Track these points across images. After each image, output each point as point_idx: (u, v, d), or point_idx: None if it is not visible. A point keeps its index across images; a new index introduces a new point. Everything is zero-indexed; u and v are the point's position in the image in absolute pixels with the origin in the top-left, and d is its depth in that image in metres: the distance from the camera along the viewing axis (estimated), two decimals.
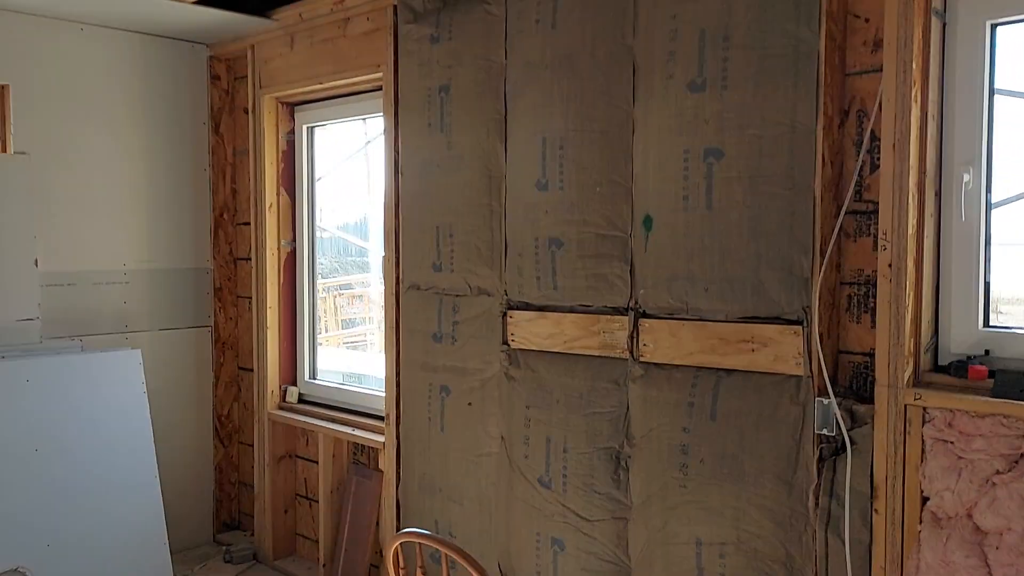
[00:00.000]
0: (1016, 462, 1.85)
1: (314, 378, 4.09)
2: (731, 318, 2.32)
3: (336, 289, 5.17)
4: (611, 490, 2.61)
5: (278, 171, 4.04)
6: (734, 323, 2.31)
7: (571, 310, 2.71)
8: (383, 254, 3.38)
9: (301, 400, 4.03)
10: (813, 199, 2.15)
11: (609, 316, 2.60)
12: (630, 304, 2.55)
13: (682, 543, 2.42)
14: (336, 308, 5.24)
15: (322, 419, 3.76)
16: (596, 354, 2.64)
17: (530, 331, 2.83)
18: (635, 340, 2.53)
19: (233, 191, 4.30)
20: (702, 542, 2.38)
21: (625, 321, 2.55)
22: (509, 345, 2.90)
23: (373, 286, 4.72)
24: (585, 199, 2.63)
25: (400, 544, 2.07)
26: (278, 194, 4.04)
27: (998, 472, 1.87)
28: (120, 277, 3.90)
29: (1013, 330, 2.00)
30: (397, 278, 3.32)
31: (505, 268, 2.89)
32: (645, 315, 2.51)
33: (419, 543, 2.02)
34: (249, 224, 4.12)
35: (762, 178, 2.22)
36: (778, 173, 2.19)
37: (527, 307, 2.84)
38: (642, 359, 2.51)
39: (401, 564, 2.09)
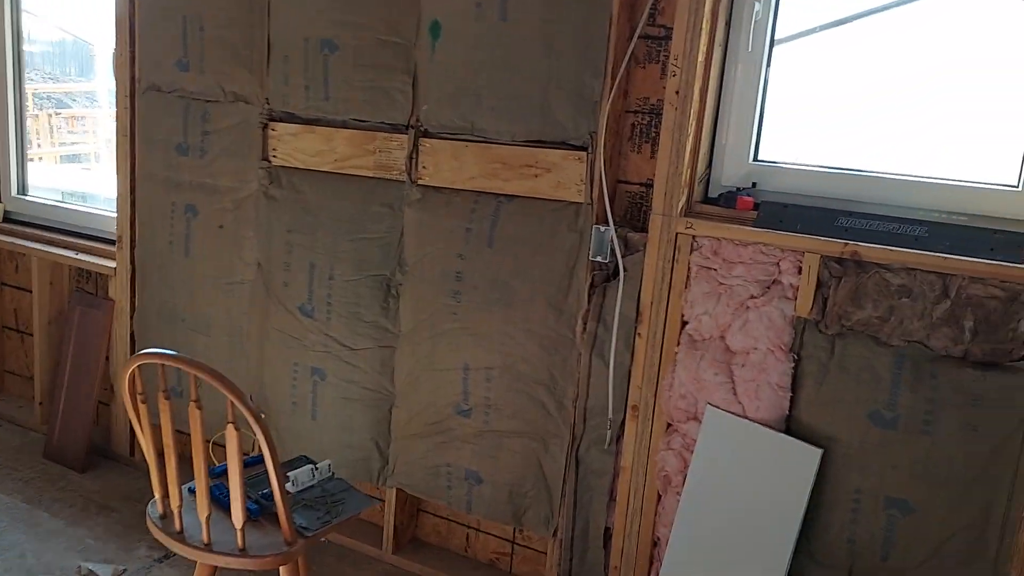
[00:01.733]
0: (768, 287, 1.98)
1: (23, 194, 3.47)
2: (516, 140, 2.22)
3: (51, 104, 4.36)
4: (379, 318, 2.49)
5: None
6: (519, 146, 2.22)
7: (344, 125, 2.46)
8: (114, 48, 2.85)
9: (7, 219, 3.42)
10: (610, 18, 2.05)
11: (387, 134, 2.39)
12: (411, 121, 2.35)
13: (449, 368, 2.38)
14: (52, 130, 4.44)
15: (35, 240, 3.22)
16: (370, 175, 2.43)
17: (295, 147, 2.54)
18: (414, 161, 2.35)
19: None
20: (469, 367, 2.35)
21: (404, 140, 2.36)
22: (270, 162, 2.59)
23: (101, 101, 4.02)
24: None
25: (138, 367, 1.80)
26: None
27: (752, 297, 1.99)
28: None
29: (779, 164, 2.10)
30: (132, 77, 2.82)
31: (268, 72, 2.55)
32: (427, 134, 2.33)
33: (161, 364, 1.77)
34: None
35: None
36: None
37: (293, 119, 2.54)
38: (420, 182, 2.35)
39: (139, 390, 1.84)
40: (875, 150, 2.08)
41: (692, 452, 2.08)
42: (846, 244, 1.87)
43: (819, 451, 1.89)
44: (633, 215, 2.21)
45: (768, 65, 2.08)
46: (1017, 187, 1.84)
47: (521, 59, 2.16)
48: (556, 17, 2.11)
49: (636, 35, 2.09)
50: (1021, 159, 1.83)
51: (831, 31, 2.18)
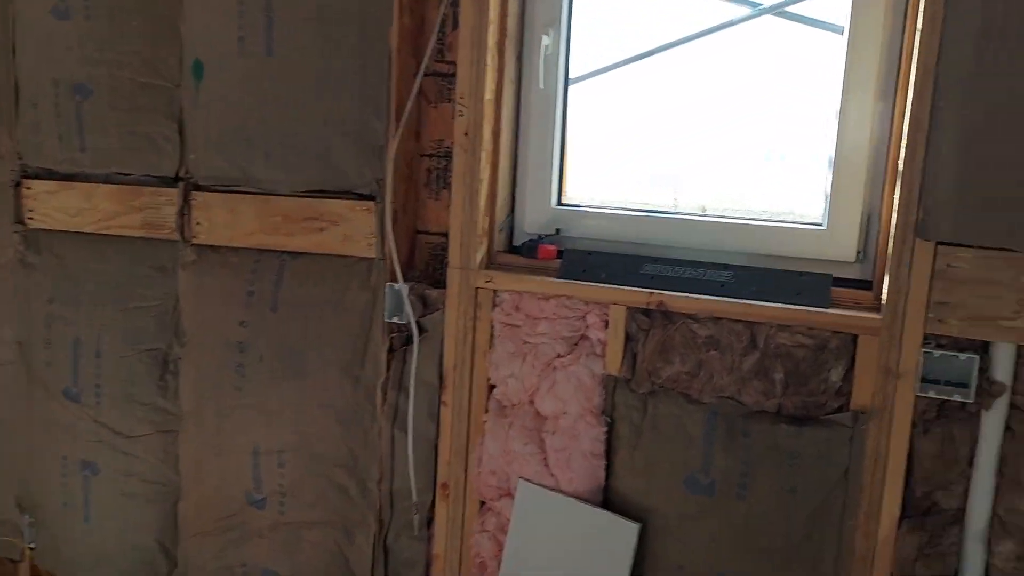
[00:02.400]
0: (576, 344, 1.79)
1: None
2: (297, 191, 1.97)
3: None
4: (157, 399, 2.16)
5: None
6: (301, 197, 1.97)
7: (106, 179, 2.14)
8: None
9: None
10: (389, 53, 1.85)
11: (154, 188, 2.09)
12: (180, 173, 2.07)
13: (237, 452, 2.07)
14: None
15: None
16: (138, 235, 2.12)
17: (54, 206, 2.20)
18: (186, 218, 2.06)
19: None
20: (260, 450, 2.05)
21: (174, 194, 2.06)
22: (26, 225, 2.24)
23: None
24: (119, 33, 2.05)
25: None
26: None
27: (559, 355, 1.79)
28: None
29: (583, 208, 1.93)
30: None
31: (17, 121, 2.21)
32: (199, 187, 2.05)
33: None
34: None
35: (333, 21, 1.86)
36: (351, 18, 1.85)
37: (50, 175, 2.21)
38: (194, 241, 2.06)
39: None
40: (682, 190, 1.95)
41: (507, 533, 1.85)
42: (651, 293, 1.71)
43: (636, 526, 1.70)
44: (435, 269, 1.99)
45: (565, 103, 1.92)
46: (823, 226, 1.73)
47: (294, 99, 1.93)
48: (329, 52, 1.89)
49: (422, 71, 1.89)
50: (825, 197, 1.72)
51: (635, 65, 2.06)
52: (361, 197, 1.93)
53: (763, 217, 1.83)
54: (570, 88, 1.93)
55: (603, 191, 1.98)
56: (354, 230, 1.93)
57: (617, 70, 2.03)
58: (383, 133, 1.88)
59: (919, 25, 1.49)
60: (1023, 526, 1.51)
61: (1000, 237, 1.45)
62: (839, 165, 1.68)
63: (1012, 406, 1.52)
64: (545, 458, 1.81)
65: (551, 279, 1.80)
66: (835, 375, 1.61)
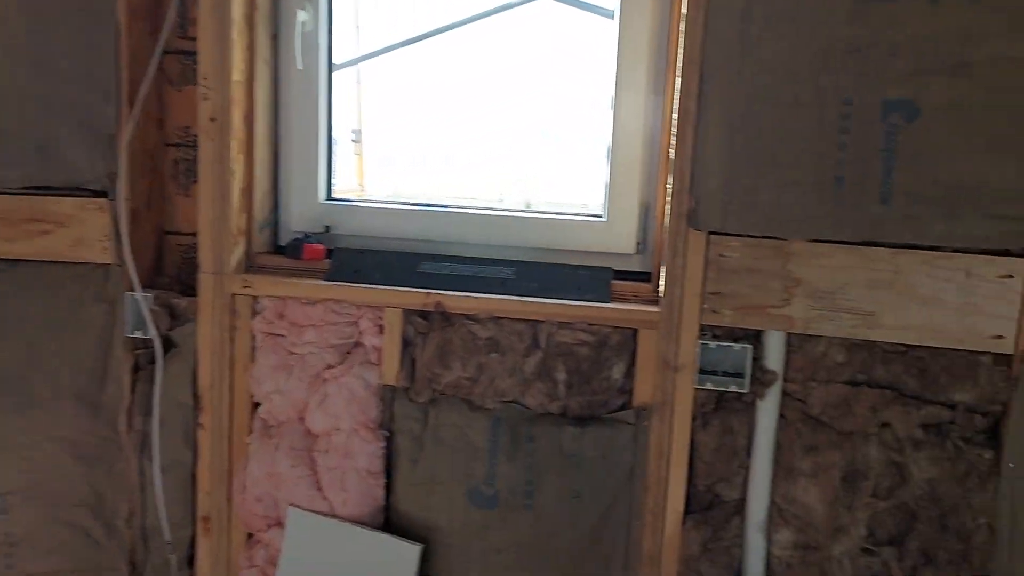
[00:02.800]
0: (348, 353, 1.63)
1: None
2: (13, 188, 1.67)
3: None
4: None
5: None
6: (19, 195, 1.67)
7: None
8: None
9: None
10: (117, 28, 1.59)
11: None
12: None
13: None
14: None
15: None
16: None
17: None
18: None
19: None
20: None
21: None
22: None
23: None
24: None
25: None
26: None
27: (329, 366, 1.62)
28: None
29: (355, 203, 1.77)
30: None
31: None
32: None
33: None
34: None
35: None
36: None
37: None
38: None
39: None
40: (462, 182, 1.84)
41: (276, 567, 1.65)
42: (428, 294, 1.57)
43: (418, 547, 1.56)
44: (189, 274, 1.75)
45: (330, 87, 1.74)
46: (603, 218, 1.66)
47: (6, 82, 1.62)
48: (46, 28, 1.60)
49: (159, 49, 1.65)
50: (605, 189, 1.66)
51: (411, 48, 1.92)
52: (94, 194, 1.66)
53: (546, 210, 1.74)
54: (341, 72, 1.76)
55: (379, 183, 1.83)
56: (86, 232, 1.66)
57: (392, 52, 1.88)
58: (114, 120, 1.62)
59: (684, 10, 1.45)
60: (799, 514, 1.51)
61: (764, 225, 1.44)
62: (616, 155, 1.63)
63: (784, 394, 1.52)
64: (317, 480, 1.63)
65: (318, 282, 1.62)
66: (617, 372, 1.55)
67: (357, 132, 2.10)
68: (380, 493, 1.62)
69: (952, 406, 1.45)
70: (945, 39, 1.33)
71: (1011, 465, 1.41)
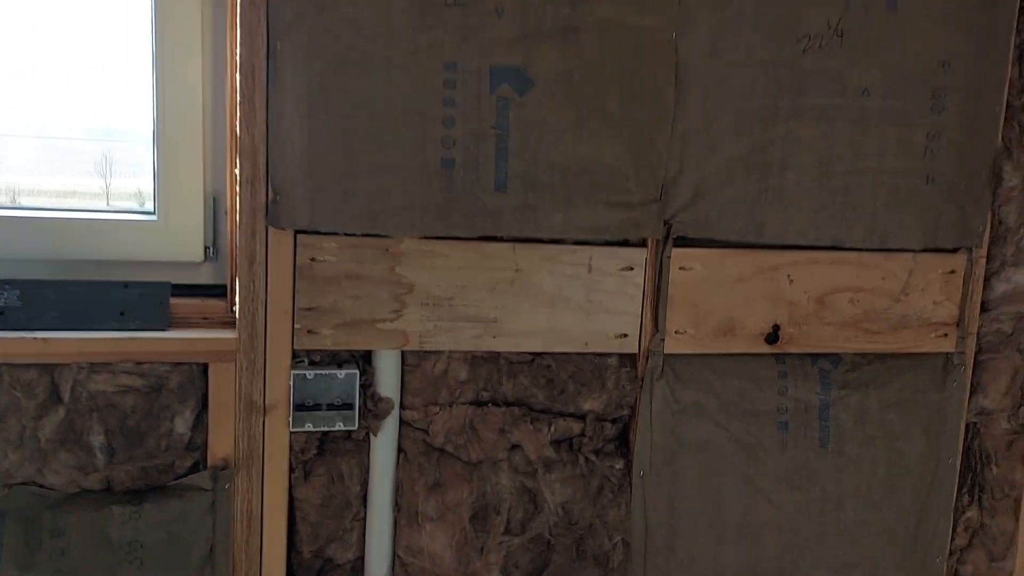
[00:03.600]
0: None
1: None
2: None
3: None
4: None
5: None
6: None
7: None
8: None
9: None
10: None
11: None
12: None
13: None
14: None
15: None
16: None
17: None
18: None
19: None
20: None
21: None
22: None
23: None
24: None
25: None
26: None
27: None
28: None
29: None
30: None
31: None
32: None
33: None
34: None
35: None
36: None
37: None
38: None
39: None
40: None
41: None
42: None
43: None
44: None
45: None
46: (154, 216, 1.24)
47: None
48: None
49: None
50: (153, 181, 1.24)
51: None
52: None
53: (81, 208, 1.27)
54: None
55: None
56: None
57: None
58: None
59: None
60: (426, 567, 1.26)
61: (365, 220, 1.15)
62: (164, 130, 1.22)
63: (403, 423, 1.25)
64: None
65: None
66: (182, 424, 1.15)
67: None
68: None
69: (582, 416, 1.29)
70: None
71: (641, 473, 1.29)
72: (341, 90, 1.11)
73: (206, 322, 1.21)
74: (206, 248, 1.25)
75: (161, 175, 1.22)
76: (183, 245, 1.24)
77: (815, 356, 1.35)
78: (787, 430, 1.34)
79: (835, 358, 1.36)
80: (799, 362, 1.34)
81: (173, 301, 1.20)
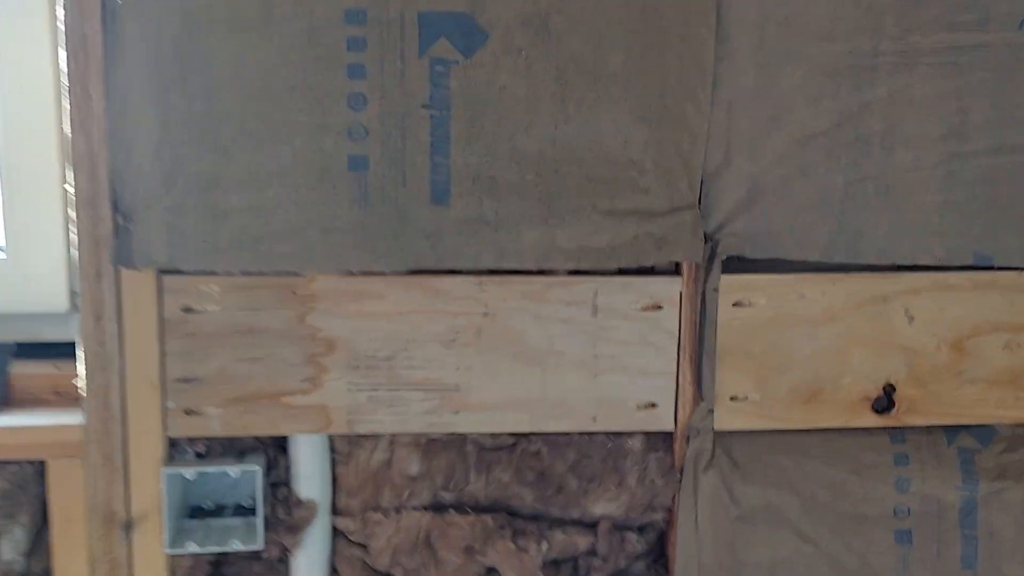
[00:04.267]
0: None
1: None
2: None
3: None
4: None
5: None
6: None
7: None
8: None
9: None
10: None
11: None
12: None
13: None
14: None
15: None
16: None
17: None
18: None
19: None
20: None
21: None
22: None
23: None
24: None
25: None
26: None
27: None
28: None
29: None
30: None
31: None
32: None
33: None
34: None
35: None
36: None
37: None
38: None
39: None
40: None
41: None
42: None
43: None
44: None
45: None
46: (2, 254, 0.93)
47: None
48: None
49: None
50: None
51: None
52: None
53: None
54: None
55: None
56: None
57: None
58: None
59: None
60: None
61: (243, 252, 0.78)
62: (8, 145, 0.90)
63: (336, 535, 0.89)
64: None
65: None
66: (9, 548, 0.82)
67: None
68: None
69: (592, 525, 0.89)
70: None
71: None
72: (205, 59, 0.76)
73: (58, 399, 0.88)
74: (73, 294, 0.93)
75: (7, 202, 0.90)
76: (40, 292, 0.92)
77: (952, 430, 0.90)
78: (911, 544, 0.89)
79: (984, 433, 0.90)
80: (927, 440, 0.89)
81: (19, 370, 0.87)
